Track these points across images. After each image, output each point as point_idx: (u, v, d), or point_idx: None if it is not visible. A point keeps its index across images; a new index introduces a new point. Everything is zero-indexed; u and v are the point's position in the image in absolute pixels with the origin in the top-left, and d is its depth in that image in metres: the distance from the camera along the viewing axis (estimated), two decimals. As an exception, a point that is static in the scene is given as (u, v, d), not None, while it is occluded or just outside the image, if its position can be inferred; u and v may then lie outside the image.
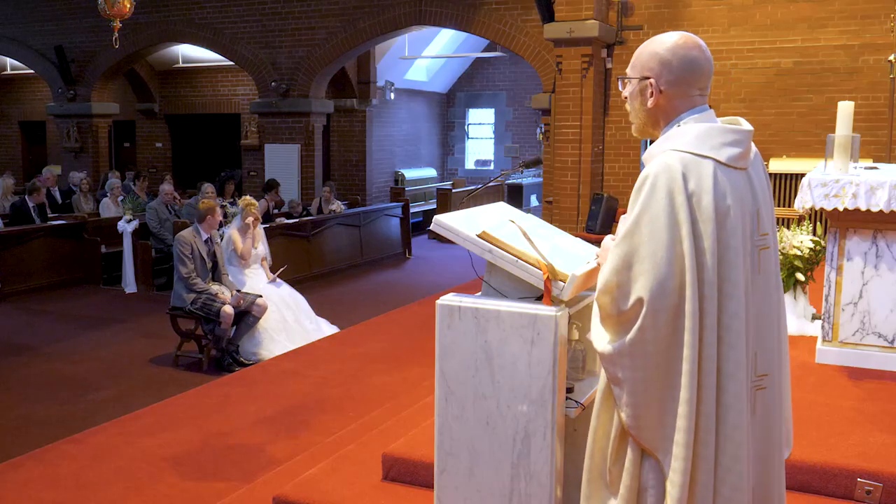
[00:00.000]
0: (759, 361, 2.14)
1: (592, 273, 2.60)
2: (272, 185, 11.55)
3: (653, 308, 1.98)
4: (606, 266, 2.07)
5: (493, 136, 19.15)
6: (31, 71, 16.73)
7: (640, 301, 1.99)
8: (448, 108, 19.36)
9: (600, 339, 2.12)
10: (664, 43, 2.16)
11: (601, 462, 2.19)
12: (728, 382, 2.04)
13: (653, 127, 2.21)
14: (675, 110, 2.16)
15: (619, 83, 2.28)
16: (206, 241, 7.11)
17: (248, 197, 8.11)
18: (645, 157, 2.18)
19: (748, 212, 2.10)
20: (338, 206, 11.95)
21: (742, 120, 2.19)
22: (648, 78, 2.15)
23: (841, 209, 4.53)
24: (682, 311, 1.98)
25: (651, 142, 2.27)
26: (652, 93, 2.15)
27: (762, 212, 2.16)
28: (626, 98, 2.27)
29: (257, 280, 7.61)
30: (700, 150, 2.06)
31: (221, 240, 7.72)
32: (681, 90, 2.14)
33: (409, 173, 17.35)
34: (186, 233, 7.04)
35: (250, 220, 7.53)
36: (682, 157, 2.04)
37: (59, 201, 12.34)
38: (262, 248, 7.78)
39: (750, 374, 2.10)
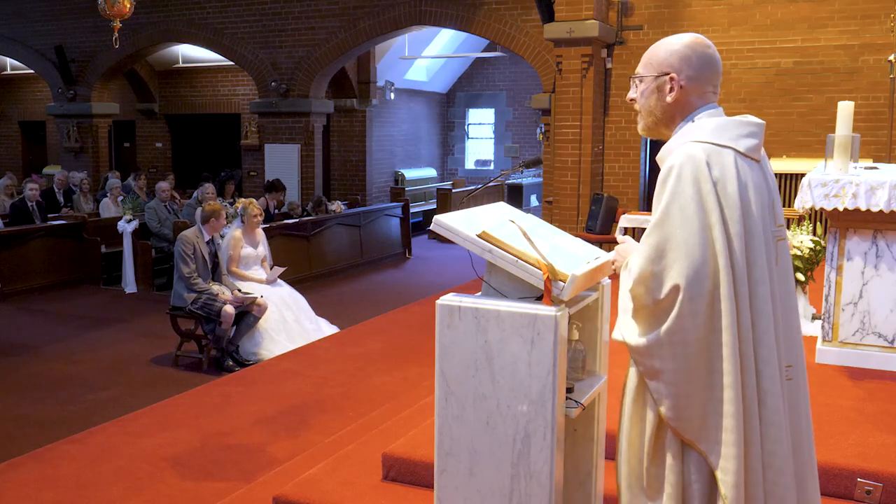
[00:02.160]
0: (786, 351, 2.15)
1: (593, 273, 2.60)
2: (275, 187, 11.53)
3: (689, 294, 1.99)
4: (638, 257, 2.07)
5: (493, 136, 19.15)
6: (31, 71, 16.73)
7: (676, 288, 1.99)
8: (448, 108, 19.36)
9: (632, 332, 2.11)
10: (681, 41, 2.20)
11: (637, 466, 2.17)
12: (765, 367, 2.05)
13: (666, 125, 2.22)
14: (691, 106, 2.19)
15: (632, 83, 2.27)
16: (208, 242, 7.12)
17: (243, 199, 8.08)
18: (662, 153, 2.19)
19: (765, 202, 2.14)
20: (338, 206, 11.95)
21: (752, 116, 2.22)
22: (668, 74, 2.18)
23: (841, 209, 4.53)
24: (717, 295, 2.00)
25: (652, 142, 2.28)
26: (672, 87, 2.18)
27: (776, 204, 2.20)
28: (632, 100, 2.27)
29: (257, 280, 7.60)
30: (720, 140, 2.09)
31: (222, 240, 7.73)
32: (699, 86, 2.18)
33: (409, 173, 17.35)
34: (189, 233, 7.04)
35: (258, 217, 7.53)
36: (704, 147, 2.07)
37: (62, 203, 12.31)
38: (262, 248, 7.78)
39: (781, 362, 2.11)
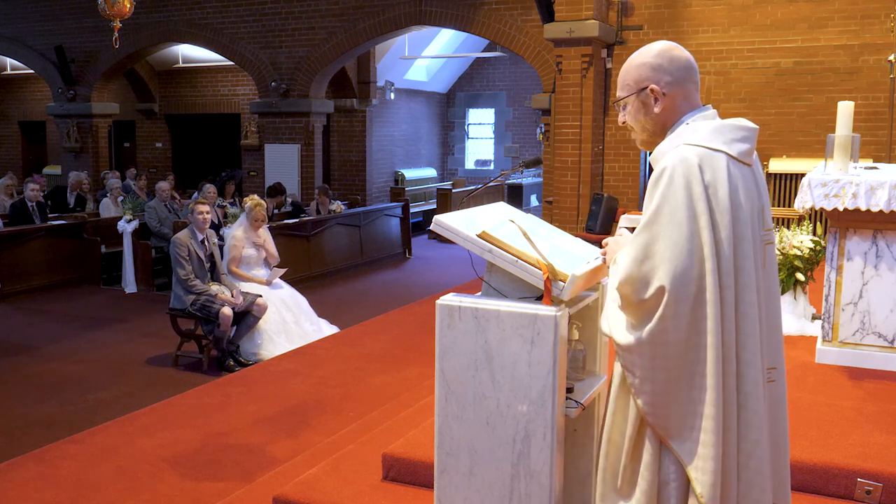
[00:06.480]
0: (769, 354, 2.18)
1: (592, 273, 2.60)
2: (277, 191, 11.53)
3: (674, 297, 2.01)
4: (626, 256, 2.09)
5: (493, 136, 19.14)
6: (31, 71, 16.73)
7: (661, 290, 2.01)
8: (448, 108, 19.35)
9: (618, 328, 2.14)
10: (647, 52, 2.22)
11: (616, 461, 2.20)
12: (747, 370, 2.07)
13: (661, 135, 2.24)
14: (679, 110, 2.21)
15: (618, 109, 2.30)
16: (201, 242, 7.09)
17: (255, 196, 7.95)
18: (655, 155, 2.20)
19: (755, 206, 2.16)
20: (338, 206, 11.95)
21: (745, 120, 2.23)
22: (647, 86, 2.20)
23: (841, 209, 4.53)
24: (702, 299, 2.02)
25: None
26: (656, 98, 2.20)
27: (766, 208, 2.22)
28: (624, 122, 2.30)
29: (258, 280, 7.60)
30: (713, 144, 2.11)
31: (222, 240, 7.71)
32: (681, 88, 2.20)
33: (409, 173, 17.35)
34: (182, 235, 7.02)
35: (261, 215, 7.53)
36: (697, 150, 2.08)
37: (71, 205, 12.27)
38: (269, 244, 7.76)
39: (764, 365, 2.13)
